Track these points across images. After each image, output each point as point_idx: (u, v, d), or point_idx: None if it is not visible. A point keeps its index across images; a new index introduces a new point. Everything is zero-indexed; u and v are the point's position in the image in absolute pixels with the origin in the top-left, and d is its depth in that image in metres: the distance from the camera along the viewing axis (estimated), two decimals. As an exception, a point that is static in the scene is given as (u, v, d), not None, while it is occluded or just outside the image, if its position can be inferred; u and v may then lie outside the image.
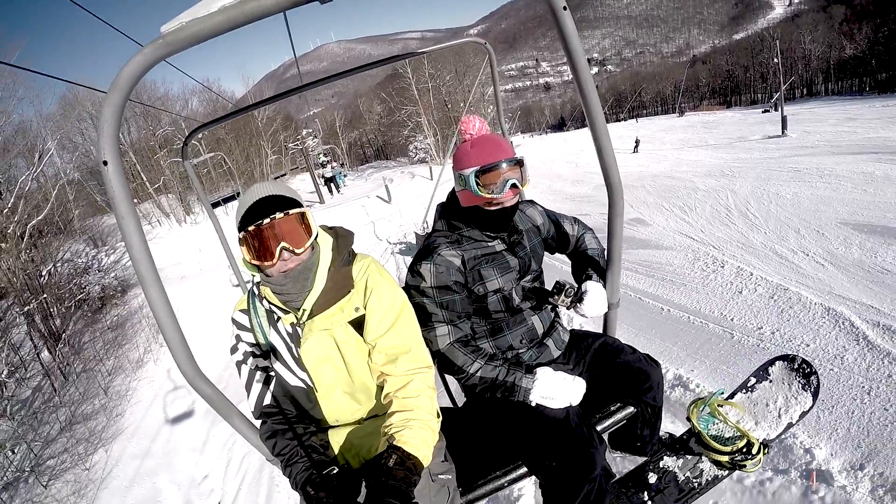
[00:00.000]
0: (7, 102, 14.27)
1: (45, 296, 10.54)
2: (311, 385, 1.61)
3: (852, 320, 6.61)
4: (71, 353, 10.19)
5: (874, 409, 5.48)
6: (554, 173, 26.31)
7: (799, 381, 2.24)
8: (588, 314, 1.93)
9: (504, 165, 1.80)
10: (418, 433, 1.40)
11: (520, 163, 1.84)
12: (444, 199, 2.08)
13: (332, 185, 27.07)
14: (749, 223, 11.55)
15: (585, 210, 15.59)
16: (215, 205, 29.12)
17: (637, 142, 30.57)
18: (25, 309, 10.10)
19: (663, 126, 39.07)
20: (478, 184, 1.80)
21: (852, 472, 4.94)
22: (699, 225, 12.65)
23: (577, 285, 2.00)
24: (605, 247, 2.00)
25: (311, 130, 37.64)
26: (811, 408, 2.17)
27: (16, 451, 7.43)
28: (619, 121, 51.43)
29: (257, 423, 1.66)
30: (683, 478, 2.10)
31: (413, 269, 1.89)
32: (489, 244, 1.94)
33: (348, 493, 1.47)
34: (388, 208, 24.15)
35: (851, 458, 5.10)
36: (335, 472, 1.50)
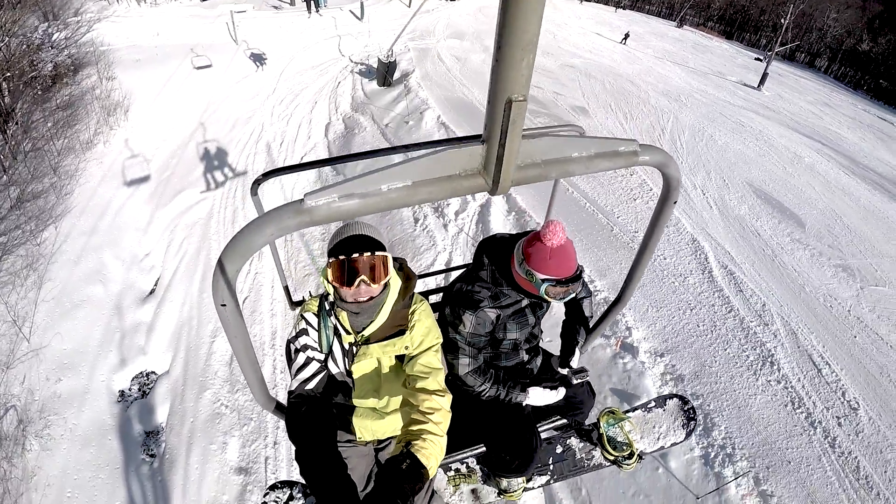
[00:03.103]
0: None
1: (8, 74, 9.07)
2: (352, 386, 1.97)
3: (708, 256, 7.54)
4: (19, 131, 9.18)
5: (689, 322, 6.52)
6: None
7: (682, 420, 2.84)
8: (564, 374, 2.52)
9: (573, 283, 2.09)
10: (430, 447, 1.60)
11: (581, 276, 2.14)
12: (495, 234, 2.41)
13: (311, 2, 22.68)
14: (673, 149, 12.10)
15: (534, 88, 15.33)
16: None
17: (627, 35, 29.72)
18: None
19: (656, 30, 37.51)
20: (546, 291, 2.09)
21: (654, 355, 6.04)
22: (631, 133, 13.07)
23: (565, 355, 2.54)
24: (595, 314, 2.58)
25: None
26: (681, 443, 2.81)
27: (-35, 229, 6.90)
28: (618, 5, 47.81)
29: (284, 399, 1.93)
30: (579, 457, 2.77)
31: (455, 311, 2.22)
32: (519, 301, 2.28)
33: (350, 488, 1.72)
34: (357, 25, 21.16)
35: (657, 346, 6.18)
36: (343, 467, 1.76)
